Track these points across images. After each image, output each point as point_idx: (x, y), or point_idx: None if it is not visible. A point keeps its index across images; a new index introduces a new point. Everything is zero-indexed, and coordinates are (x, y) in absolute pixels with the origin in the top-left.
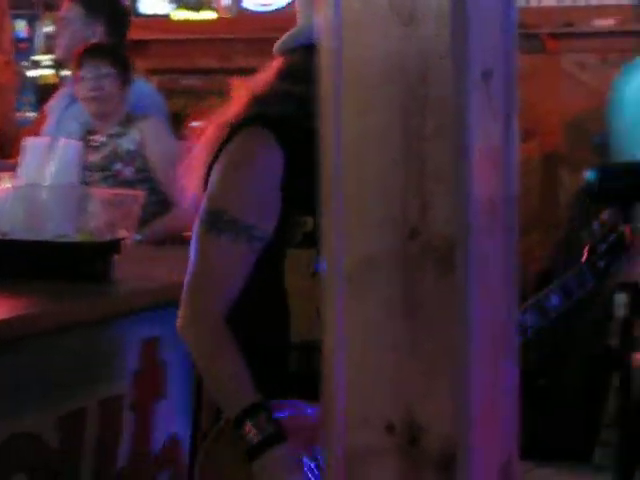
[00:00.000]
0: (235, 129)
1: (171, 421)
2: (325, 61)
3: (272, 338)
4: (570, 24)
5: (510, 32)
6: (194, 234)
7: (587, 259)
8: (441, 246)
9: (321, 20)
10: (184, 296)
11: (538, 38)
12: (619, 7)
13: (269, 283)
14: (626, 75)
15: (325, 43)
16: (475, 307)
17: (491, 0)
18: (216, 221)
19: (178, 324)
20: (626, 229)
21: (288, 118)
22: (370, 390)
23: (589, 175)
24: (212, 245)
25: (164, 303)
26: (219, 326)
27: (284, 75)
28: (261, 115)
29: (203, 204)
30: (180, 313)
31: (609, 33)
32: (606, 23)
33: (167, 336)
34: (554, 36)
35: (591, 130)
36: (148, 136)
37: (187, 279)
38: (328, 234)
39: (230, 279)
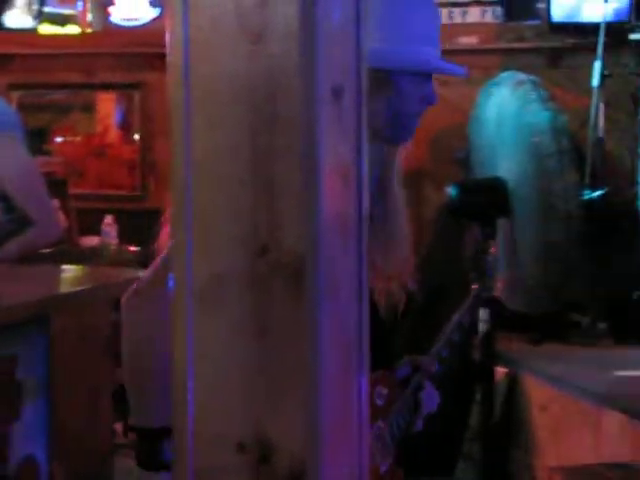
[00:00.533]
0: None
1: (27, 442)
2: (173, 77)
3: None
4: None
5: (361, 48)
6: None
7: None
8: (291, 263)
9: (169, 36)
10: (143, 283)
11: None
12: (483, 25)
13: None
14: (487, 92)
15: (173, 59)
16: (325, 324)
17: (342, 16)
18: None
19: (126, 296)
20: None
21: None
22: (220, 409)
23: (451, 190)
24: None
25: (21, 321)
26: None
27: None
28: None
29: None
30: (135, 288)
31: (472, 51)
32: (469, 41)
33: (24, 355)
34: None
35: (454, 146)
36: (1, 154)
37: (152, 268)
38: (178, 250)
39: None
